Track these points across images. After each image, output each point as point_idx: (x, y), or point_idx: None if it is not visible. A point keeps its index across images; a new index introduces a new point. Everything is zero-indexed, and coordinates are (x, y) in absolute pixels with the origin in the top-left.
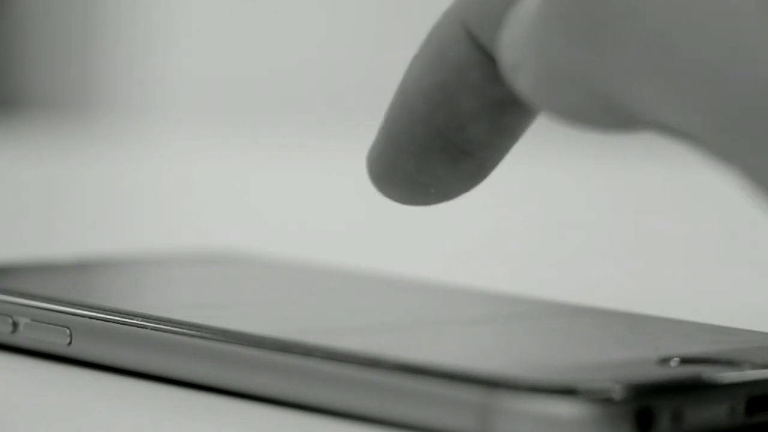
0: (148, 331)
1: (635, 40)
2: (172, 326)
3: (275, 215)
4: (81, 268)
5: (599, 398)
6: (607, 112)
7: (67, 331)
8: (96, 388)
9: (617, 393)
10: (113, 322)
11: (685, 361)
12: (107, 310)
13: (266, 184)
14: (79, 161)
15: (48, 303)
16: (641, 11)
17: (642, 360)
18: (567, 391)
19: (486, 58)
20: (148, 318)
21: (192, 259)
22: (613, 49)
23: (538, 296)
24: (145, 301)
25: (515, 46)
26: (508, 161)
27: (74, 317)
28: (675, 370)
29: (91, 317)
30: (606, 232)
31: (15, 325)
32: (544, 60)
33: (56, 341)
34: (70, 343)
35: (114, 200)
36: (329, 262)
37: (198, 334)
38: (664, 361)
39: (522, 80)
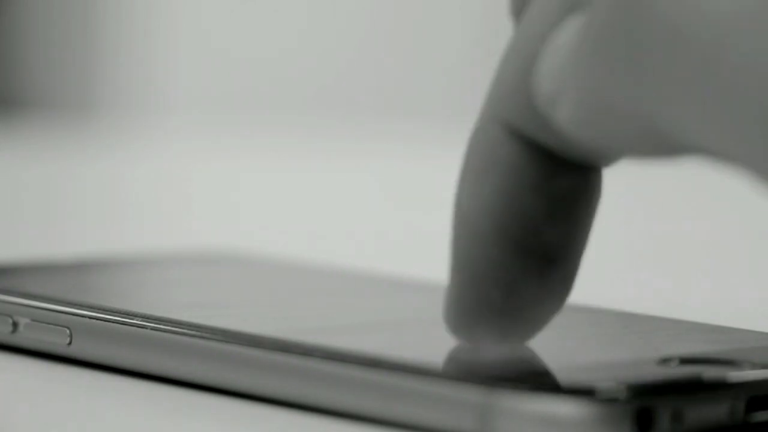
0: (148, 331)
1: (679, 66)
2: (172, 326)
3: (275, 215)
4: (81, 268)
5: (599, 398)
6: (651, 140)
7: (67, 331)
8: (96, 388)
9: (617, 393)
10: (113, 322)
11: (685, 361)
12: (107, 310)
13: (266, 184)
14: (79, 161)
15: (48, 303)
16: (684, 37)
17: (642, 360)
18: (567, 391)
19: (539, 152)
20: (148, 318)
21: (192, 259)
22: (657, 75)
23: None
24: (145, 301)
25: (553, 76)
26: None
27: (74, 317)
28: (675, 370)
29: (91, 317)
30: (606, 233)
31: (15, 325)
32: (584, 90)
33: (56, 341)
34: (70, 343)
35: (114, 200)
36: (329, 261)
37: (198, 334)
38: (664, 361)
39: (560, 112)
